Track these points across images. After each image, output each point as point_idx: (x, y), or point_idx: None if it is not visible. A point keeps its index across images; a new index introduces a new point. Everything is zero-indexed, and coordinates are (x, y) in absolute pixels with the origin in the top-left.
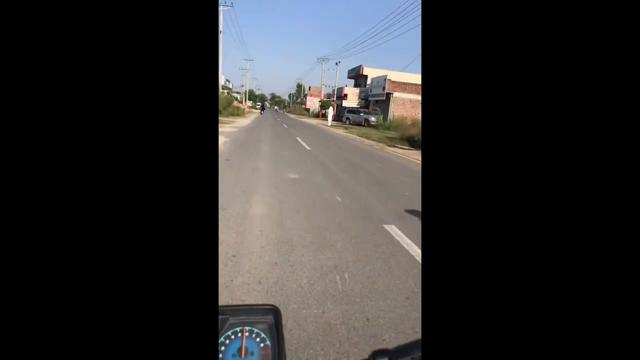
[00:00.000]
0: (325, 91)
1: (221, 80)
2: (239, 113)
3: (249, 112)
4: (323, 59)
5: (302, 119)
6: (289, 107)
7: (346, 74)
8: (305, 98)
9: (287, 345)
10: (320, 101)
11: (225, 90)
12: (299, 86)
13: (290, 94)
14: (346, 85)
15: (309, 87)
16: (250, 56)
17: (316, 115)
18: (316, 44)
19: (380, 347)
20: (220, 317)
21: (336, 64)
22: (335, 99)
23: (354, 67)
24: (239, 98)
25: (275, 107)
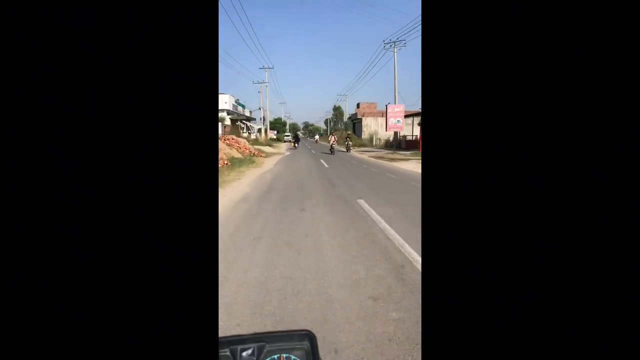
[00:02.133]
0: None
1: (226, 103)
2: None
3: (262, 157)
4: (394, 42)
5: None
6: (333, 137)
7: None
8: (354, 123)
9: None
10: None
11: (228, 116)
12: (337, 108)
13: (326, 120)
14: None
15: (357, 105)
16: (270, 63)
17: (400, 147)
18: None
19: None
20: (257, 344)
21: None
22: None
23: None
24: (257, 128)
25: (316, 137)
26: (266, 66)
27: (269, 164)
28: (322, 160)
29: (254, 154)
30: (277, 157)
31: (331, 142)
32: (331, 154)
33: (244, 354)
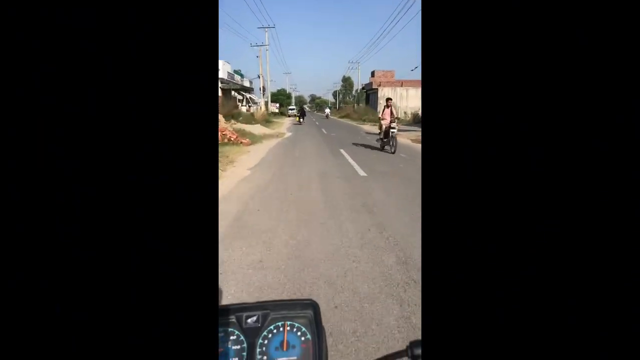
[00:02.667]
0: None
1: (219, 71)
2: None
3: (243, 146)
4: None
5: None
6: (389, 109)
7: None
8: (367, 94)
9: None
10: None
11: (220, 85)
12: (346, 79)
13: (335, 92)
14: None
15: (372, 73)
16: (271, 22)
17: None
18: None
19: None
20: (261, 312)
21: None
22: None
23: None
24: (256, 100)
25: (327, 112)
26: (266, 25)
27: (242, 167)
28: (343, 151)
29: (229, 140)
30: (269, 145)
31: (385, 124)
32: (381, 149)
33: (249, 320)
